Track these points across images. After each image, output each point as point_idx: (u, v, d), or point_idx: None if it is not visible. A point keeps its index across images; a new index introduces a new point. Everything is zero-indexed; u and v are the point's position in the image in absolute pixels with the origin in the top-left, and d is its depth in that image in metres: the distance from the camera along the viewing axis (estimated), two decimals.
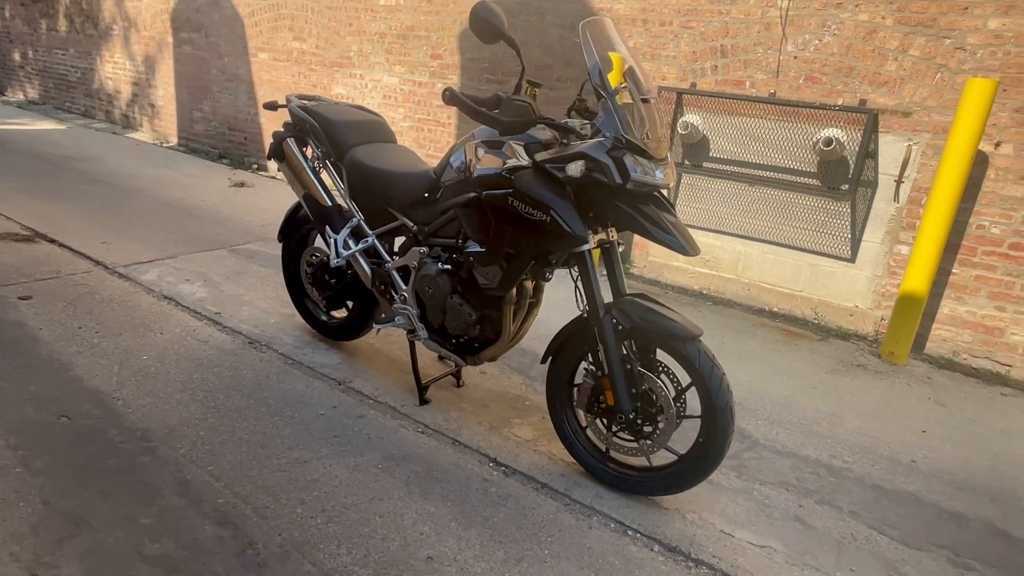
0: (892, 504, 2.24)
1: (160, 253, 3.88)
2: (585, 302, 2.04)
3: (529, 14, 4.69)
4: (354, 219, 2.57)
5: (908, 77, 3.42)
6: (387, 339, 3.11)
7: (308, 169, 2.65)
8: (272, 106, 2.61)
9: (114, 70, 8.19)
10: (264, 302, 3.35)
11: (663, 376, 2.03)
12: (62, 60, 8.88)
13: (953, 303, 3.49)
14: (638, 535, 1.96)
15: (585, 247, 1.95)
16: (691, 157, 4.15)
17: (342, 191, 2.61)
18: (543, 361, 2.20)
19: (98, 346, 2.70)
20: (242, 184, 5.94)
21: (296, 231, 2.94)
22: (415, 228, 2.39)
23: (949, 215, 3.20)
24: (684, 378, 2.07)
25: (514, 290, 2.15)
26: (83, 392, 2.36)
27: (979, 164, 3.30)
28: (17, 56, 9.64)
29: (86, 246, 3.83)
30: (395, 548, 1.79)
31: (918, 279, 3.32)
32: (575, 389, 2.17)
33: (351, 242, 2.56)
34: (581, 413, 2.20)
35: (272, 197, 5.61)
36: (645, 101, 1.87)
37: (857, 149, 3.55)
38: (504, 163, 1.99)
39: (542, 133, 2.02)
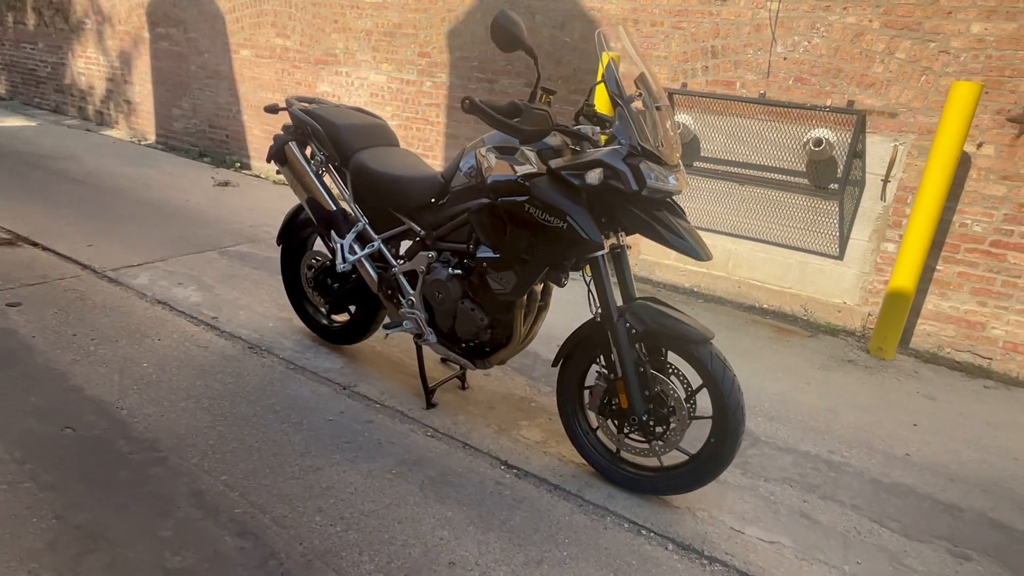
0: (891, 497, 2.31)
1: (149, 256, 3.81)
2: (598, 306, 2.06)
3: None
4: (359, 223, 2.56)
5: (894, 79, 3.51)
6: (388, 342, 3.10)
7: (311, 173, 2.63)
8: (273, 109, 2.57)
9: (87, 65, 7.96)
10: (261, 306, 3.31)
11: (673, 377, 2.07)
12: (31, 54, 8.61)
13: (937, 299, 3.60)
14: (652, 534, 2.00)
15: (600, 252, 1.98)
16: (682, 157, 4.17)
17: (346, 195, 2.59)
18: (555, 364, 2.23)
19: (95, 354, 2.65)
20: (226, 183, 5.84)
21: (295, 234, 2.91)
22: (423, 232, 2.39)
23: (935, 214, 3.29)
24: (693, 378, 2.11)
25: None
26: (85, 402, 2.32)
27: (962, 164, 3.41)
28: None
29: (71, 249, 3.73)
30: (417, 554, 1.80)
31: (905, 276, 3.41)
32: (587, 392, 2.20)
33: (357, 246, 2.55)
34: (592, 415, 2.23)
35: (258, 197, 5.53)
36: (658, 108, 1.90)
37: (846, 149, 3.63)
38: (517, 169, 2.00)
39: (554, 139, 2.04)
